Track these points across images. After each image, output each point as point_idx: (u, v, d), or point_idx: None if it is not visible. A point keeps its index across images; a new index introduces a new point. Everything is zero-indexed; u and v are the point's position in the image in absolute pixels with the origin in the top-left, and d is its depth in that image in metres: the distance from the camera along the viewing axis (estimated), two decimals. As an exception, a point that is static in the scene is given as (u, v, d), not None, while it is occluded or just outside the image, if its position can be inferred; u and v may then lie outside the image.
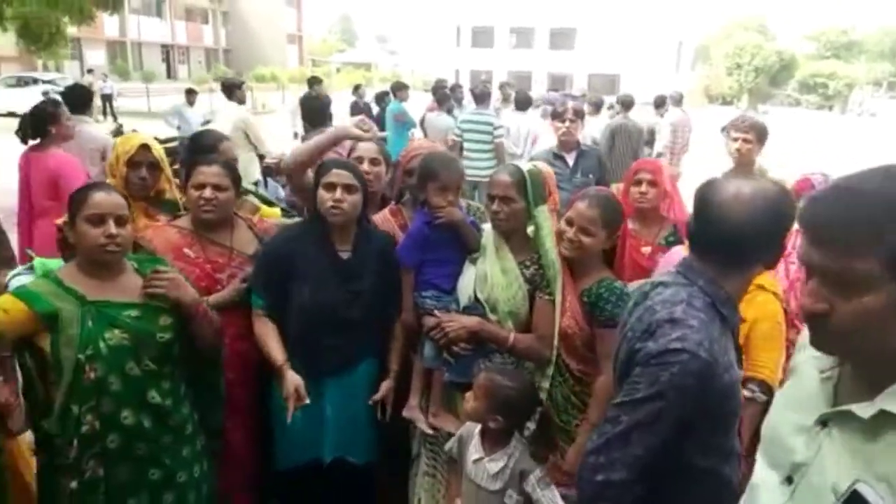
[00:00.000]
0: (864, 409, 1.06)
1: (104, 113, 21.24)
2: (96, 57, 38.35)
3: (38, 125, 4.32)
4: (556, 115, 4.79)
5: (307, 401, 2.40)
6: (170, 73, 45.60)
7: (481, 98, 7.74)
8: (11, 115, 21.51)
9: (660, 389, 1.48)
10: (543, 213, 2.50)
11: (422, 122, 9.59)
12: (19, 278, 2.46)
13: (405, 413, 2.67)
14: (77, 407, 2.03)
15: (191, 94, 11.09)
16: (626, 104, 8.66)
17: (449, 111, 9.15)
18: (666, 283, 1.65)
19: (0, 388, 2.05)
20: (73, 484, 2.06)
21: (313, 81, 10.27)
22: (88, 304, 2.06)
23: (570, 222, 2.39)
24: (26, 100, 21.20)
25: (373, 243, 2.64)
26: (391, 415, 2.66)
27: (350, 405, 2.62)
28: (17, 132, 4.43)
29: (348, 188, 2.50)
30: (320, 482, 2.63)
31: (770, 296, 2.46)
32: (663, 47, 41.13)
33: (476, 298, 2.55)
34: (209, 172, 2.60)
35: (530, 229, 2.54)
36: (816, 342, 1.15)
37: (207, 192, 2.57)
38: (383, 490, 2.87)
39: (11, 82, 23.69)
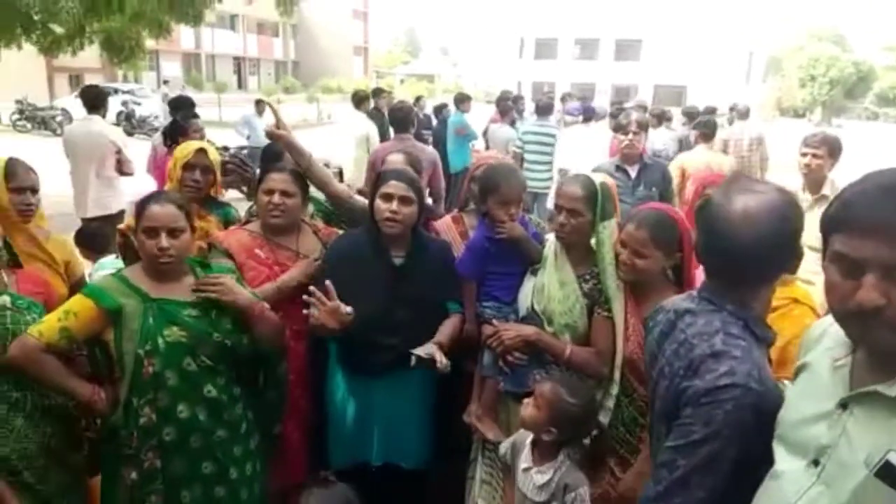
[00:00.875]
0: (889, 388, 1.12)
1: (178, 122, 22.14)
2: (172, 68, 40.02)
3: (173, 134, 5.15)
4: (619, 128, 4.72)
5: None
6: (241, 84, 47.17)
7: (544, 110, 7.73)
8: (94, 123, 22.75)
9: (716, 429, 1.41)
10: (607, 230, 2.45)
11: (484, 133, 9.63)
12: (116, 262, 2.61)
13: (465, 418, 2.70)
14: (136, 399, 2.16)
15: (259, 105, 11.46)
16: (691, 116, 8.52)
17: (512, 123, 9.17)
18: (693, 310, 1.58)
19: (83, 386, 2.18)
20: (133, 475, 2.18)
21: (377, 93, 10.44)
22: (151, 301, 2.18)
23: (623, 244, 2.34)
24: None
25: (428, 250, 2.68)
26: (451, 416, 2.69)
27: (400, 410, 2.65)
28: (163, 137, 5.48)
29: (404, 200, 2.54)
30: (372, 483, 2.68)
31: (806, 309, 2.36)
32: (733, 58, 40.13)
33: (533, 309, 2.55)
34: (278, 179, 2.71)
35: (594, 241, 2.51)
36: (867, 336, 1.15)
37: (276, 198, 2.68)
38: (437, 489, 2.89)
39: (95, 92, 24.99)
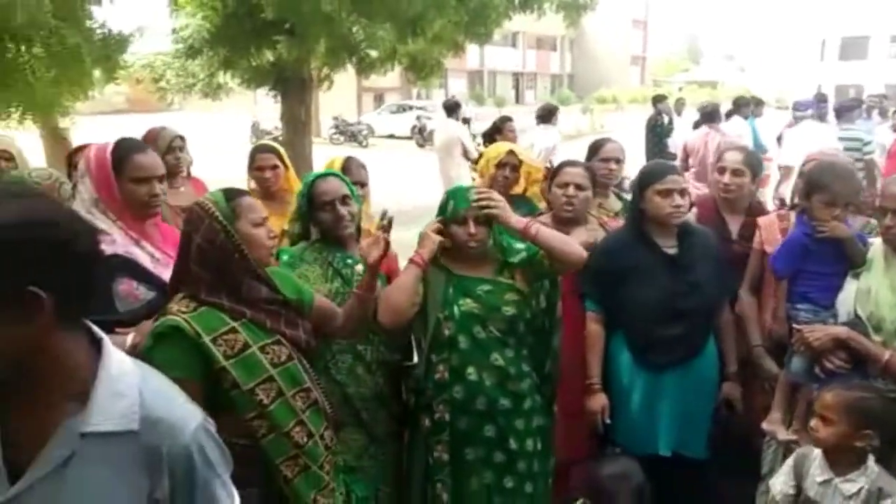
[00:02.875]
0: None
1: (463, 134, 23.88)
2: (458, 85, 43.22)
3: (491, 135, 6.27)
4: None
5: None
6: (518, 98, 49.25)
7: (843, 112, 7.01)
8: (391, 136, 25.56)
9: None
10: None
11: (778, 139, 9.00)
12: None
13: (765, 426, 2.62)
14: (434, 357, 2.48)
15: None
16: None
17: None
18: None
19: None
20: (427, 422, 2.51)
21: (658, 99, 10.31)
22: (452, 276, 2.52)
23: None
24: (402, 124, 25.07)
25: (695, 237, 2.74)
26: (744, 431, 2.68)
27: (689, 399, 2.69)
28: (483, 138, 6.68)
29: (682, 193, 2.65)
30: (654, 472, 2.74)
31: None
32: None
33: (857, 315, 2.41)
34: (573, 173, 2.94)
35: None
36: None
37: (570, 191, 2.90)
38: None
39: (393, 109, 28.15)
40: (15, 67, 5.87)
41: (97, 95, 8.26)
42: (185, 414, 1.24)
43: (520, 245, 2.54)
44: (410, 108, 26.99)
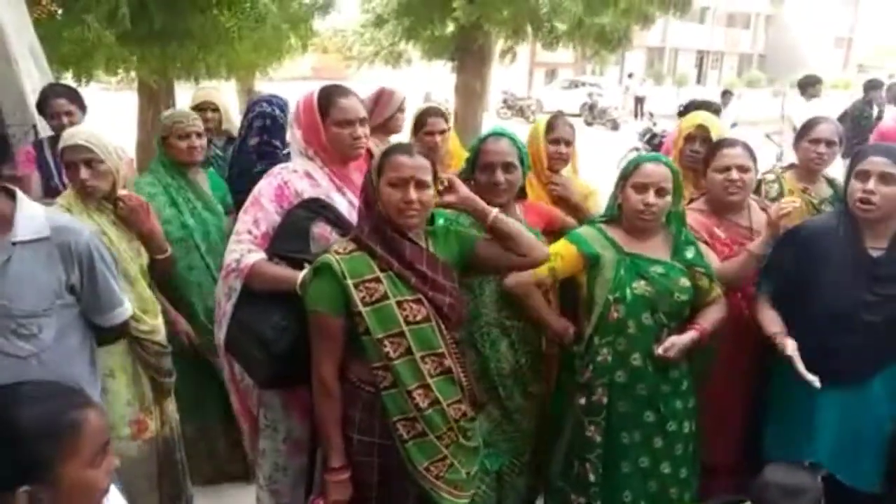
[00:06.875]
0: None
1: (635, 114, 22.92)
2: (636, 62, 41.32)
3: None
4: None
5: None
6: (699, 79, 46.34)
7: None
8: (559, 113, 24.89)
9: None
10: None
11: None
12: None
13: None
14: (598, 339, 2.41)
15: (725, 96, 11.25)
16: None
17: None
18: None
19: (557, 320, 2.55)
20: (582, 400, 2.45)
21: (871, 85, 9.16)
22: (624, 254, 2.41)
23: None
24: (573, 100, 24.41)
25: None
26: None
27: (857, 418, 2.39)
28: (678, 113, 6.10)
29: (885, 178, 2.28)
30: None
31: None
32: None
33: None
34: (733, 154, 2.65)
35: None
36: None
37: (733, 174, 2.63)
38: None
39: (564, 85, 27.59)
40: (223, 32, 6.32)
41: (287, 62, 8.77)
42: (80, 224, 1.97)
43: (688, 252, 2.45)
44: (582, 84, 26.28)
